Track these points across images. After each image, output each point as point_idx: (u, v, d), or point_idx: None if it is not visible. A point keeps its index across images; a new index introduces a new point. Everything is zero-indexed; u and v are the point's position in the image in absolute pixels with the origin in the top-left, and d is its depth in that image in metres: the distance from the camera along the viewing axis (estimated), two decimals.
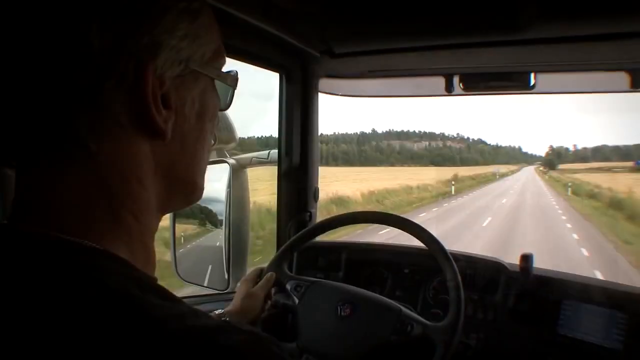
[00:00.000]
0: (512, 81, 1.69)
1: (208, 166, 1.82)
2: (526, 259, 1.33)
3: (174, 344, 0.39)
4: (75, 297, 0.40)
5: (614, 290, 1.31)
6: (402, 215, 1.38)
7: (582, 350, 1.29)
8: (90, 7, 0.44)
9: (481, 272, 1.49)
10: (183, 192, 0.58)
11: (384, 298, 1.25)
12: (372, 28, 1.40)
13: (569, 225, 18.49)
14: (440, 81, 1.75)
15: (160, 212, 0.56)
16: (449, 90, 1.76)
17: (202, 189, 0.61)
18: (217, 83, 0.60)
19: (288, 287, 1.31)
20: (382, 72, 1.78)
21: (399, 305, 1.20)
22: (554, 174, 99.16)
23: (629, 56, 1.48)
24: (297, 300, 1.27)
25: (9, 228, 0.46)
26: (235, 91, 0.66)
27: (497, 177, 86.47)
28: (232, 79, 0.62)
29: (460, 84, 1.73)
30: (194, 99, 0.54)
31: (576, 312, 1.32)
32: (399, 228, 1.31)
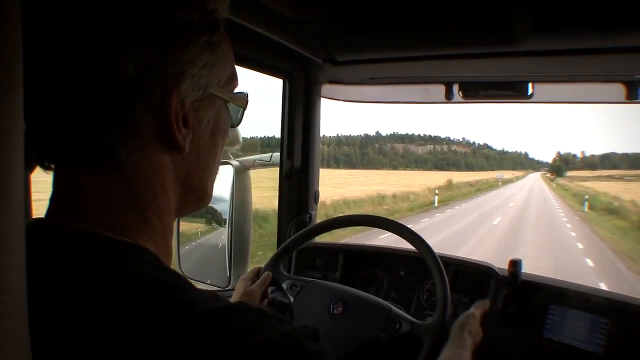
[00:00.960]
0: (510, 90, 1.72)
1: None
2: (515, 264, 1.37)
3: (201, 323, 0.46)
4: (120, 284, 0.48)
5: (599, 297, 1.35)
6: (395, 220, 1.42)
7: (567, 353, 1.33)
8: (127, 40, 0.50)
9: (472, 276, 1.54)
10: (195, 198, 0.65)
11: (375, 297, 1.30)
12: (372, 37, 1.44)
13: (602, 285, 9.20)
14: (440, 89, 1.80)
15: (177, 214, 0.63)
16: (449, 97, 1.80)
17: (211, 195, 0.68)
18: (231, 104, 0.67)
19: (284, 286, 1.36)
20: (383, 79, 1.83)
21: (388, 304, 1.25)
22: (561, 181, 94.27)
23: (624, 69, 1.51)
24: (292, 299, 1.32)
25: (53, 226, 0.53)
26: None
27: (500, 183, 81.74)
28: (243, 101, 0.69)
29: (460, 92, 1.77)
30: (210, 119, 0.61)
31: (562, 316, 1.36)
32: (390, 231, 1.36)
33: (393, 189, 41.31)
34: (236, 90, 0.67)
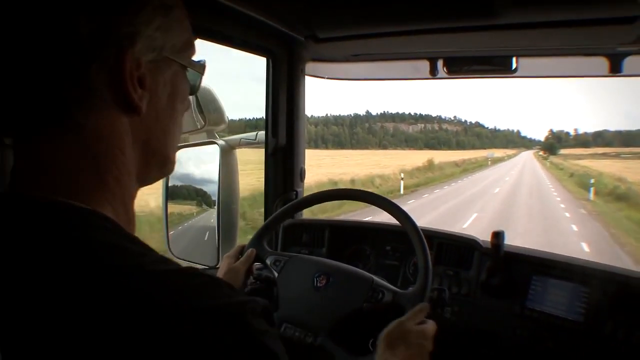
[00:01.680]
0: (495, 65, 1.73)
1: (199, 147, 1.88)
2: (497, 235, 1.39)
3: (150, 284, 0.48)
4: (75, 249, 0.49)
5: (579, 266, 1.38)
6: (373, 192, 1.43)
7: (548, 322, 1.36)
8: (79, 2, 0.52)
9: (456, 249, 1.56)
10: (157, 164, 0.66)
11: (357, 269, 1.32)
12: (354, 13, 1.44)
13: None
14: (425, 65, 1.80)
15: (139, 181, 0.64)
16: (433, 73, 1.80)
17: (174, 162, 0.69)
18: (189, 71, 0.68)
19: (268, 262, 1.38)
20: (366, 55, 1.82)
21: (371, 275, 1.27)
22: (555, 159, 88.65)
23: (606, 41, 1.51)
24: (276, 274, 1.34)
25: (13, 194, 0.54)
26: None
27: (489, 162, 75.61)
28: (200, 67, 0.70)
29: (444, 68, 1.77)
30: (166, 81, 0.62)
31: (544, 287, 1.39)
32: (371, 204, 1.37)
33: (366, 170, 37.66)
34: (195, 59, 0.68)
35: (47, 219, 0.51)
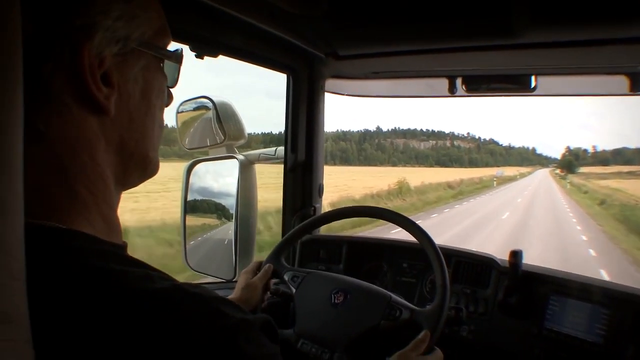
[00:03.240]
0: (514, 83, 1.73)
1: (218, 162, 1.90)
2: (515, 254, 1.38)
3: (131, 302, 0.45)
4: (47, 274, 0.45)
5: (599, 287, 1.36)
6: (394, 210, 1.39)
7: (567, 343, 1.34)
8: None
9: (474, 267, 1.55)
10: (138, 166, 0.61)
11: (375, 286, 1.32)
12: (374, 32, 1.46)
13: None
14: (444, 82, 1.80)
15: (120, 186, 0.60)
16: (452, 91, 1.81)
17: (156, 162, 0.64)
18: (166, 62, 0.63)
19: (286, 277, 1.39)
20: (386, 73, 1.84)
21: (389, 293, 1.27)
22: (576, 179, 76.73)
23: (626, 60, 1.51)
24: (294, 290, 1.35)
25: None
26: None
27: (495, 183, 60.53)
28: (175, 57, 0.64)
29: (463, 86, 1.78)
30: (137, 76, 0.57)
31: (562, 307, 1.37)
32: (389, 222, 1.38)
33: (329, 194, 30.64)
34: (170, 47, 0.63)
35: None
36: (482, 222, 19.19)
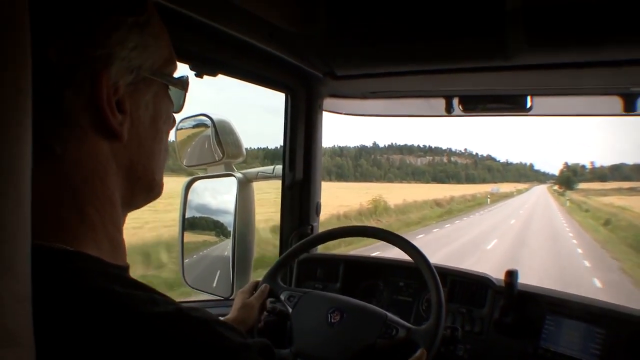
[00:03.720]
0: (509, 104, 1.75)
1: (216, 179, 1.91)
2: (511, 274, 1.39)
3: (135, 325, 0.47)
4: (53, 297, 0.46)
5: (593, 306, 1.37)
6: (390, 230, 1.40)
7: None
8: (48, 27, 0.49)
9: (469, 286, 1.55)
10: (144, 189, 0.63)
11: (371, 305, 1.32)
12: (372, 52, 1.48)
13: None
14: (441, 102, 1.83)
15: (126, 208, 0.62)
16: (449, 111, 1.83)
17: (161, 185, 0.66)
18: (171, 88, 0.66)
19: (282, 297, 1.39)
20: (383, 93, 1.86)
21: (384, 312, 1.28)
22: (575, 196, 73.34)
23: (620, 82, 1.53)
24: (290, 310, 1.35)
25: None
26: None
27: (489, 200, 56.00)
28: (182, 84, 0.67)
29: (460, 106, 1.80)
30: (147, 103, 0.60)
31: (558, 326, 1.38)
32: (385, 241, 1.39)
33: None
34: (176, 75, 0.66)
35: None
36: (462, 253, 14.97)
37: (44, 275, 0.45)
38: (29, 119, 0.37)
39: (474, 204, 47.63)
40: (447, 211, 36.13)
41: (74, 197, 0.53)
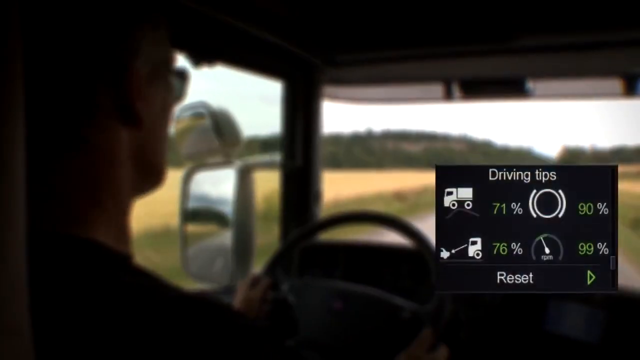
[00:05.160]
0: (510, 87, 1.74)
1: (215, 168, 1.89)
2: None
3: (142, 313, 0.48)
4: (60, 284, 0.48)
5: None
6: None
7: (567, 345, 1.35)
8: (81, 26, 0.54)
9: None
10: (152, 175, 0.67)
11: (374, 290, 1.32)
12: (371, 37, 1.47)
13: None
14: (441, 88, 1.82)
15: (134, 193, 0.65)
16: (449, 96, 1.82)
17: (165, 170, 0.70)
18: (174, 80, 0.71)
19: (284, 287, 1.39)
20: (383, 79, 1.85)
21: (388, 295, 1.28)
22: None
23: (620, 63, 1.53)
24: (293, 300, 1.35)
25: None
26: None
27: None
28: (184, 76, 0.74)
29: (460, 91, 1.79)
30: (160, 93, 0.65)
31: (561, 309, 1.38)
32: (385, 226, 1.38)
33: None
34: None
35: (42, 251, 0.49)
36: None
37: (51, 262, 0.49)
38: (21, 107, 0.36)
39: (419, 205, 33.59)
40: (410, 207, 28.32)
41: (92, 185, 0.56)
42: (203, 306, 0.52)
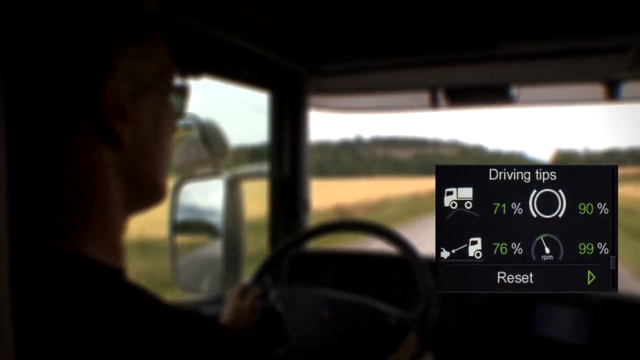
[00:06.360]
0: (494, 94, 1.76)
1: (204, 179, 1.89)
2: None
3: (132, 327, 0.48)
4: (49, 298, 0.48)
5: (584, 292, 1.39)
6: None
7: (554, 348, 1.37)
8: (49, 38, 0.52)
9: None
10: (146, 193, 0.65)
11: (362, 298, 1.33)
12: (357, 46, 1.48)
13: None
14: (427, 95, 1.83)
15: (129, 211, 0.64)
16: (435, 104, 1.84)
17: (164, 190, 0.68)
18: (174, 96, 0.69)
19: (272, 296, 1.39)
20: (369, 88, 1.86)
21: (375, 303, 1.29)
22: None
23: (601, 69, 1.55)
24: (281, 308, 1.35)
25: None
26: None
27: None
28: (182, 92, 0.71)
29: (446, 98, 1.81)
30: (148, 110, 0.62)
31: (548, 312, 1.40)
32: (372, 234, 1.39)
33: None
34: (177, 82, 0.69)
35: (37, 264, 0.50)
36: None
37: (41, 275, 0.49)
38: (2, 128, 0.37)
39: (425, 206, 31.45)
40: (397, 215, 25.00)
41: (78, 204, 0.55)
42: (190, 320, 0.52)
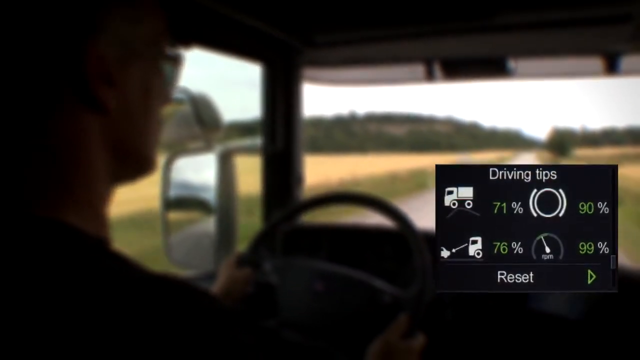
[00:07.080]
0: (491, 67, 1.73)
1: (196, 155, 1.88)
2: None
3: (115, 296, 0.46)
4: (30, 266, 0.46)
5: None
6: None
7: (550, 322, 1.37)
8: (37, 7, 0.50)
9: None
10: (134, 163, 0.63)
11: (357, 273, 1.32)
12: (351, 17, 1.45)
13: None
14: (422, 68, 1.80)
15: (114, 182, 0.62)
16: (431, 76, 1.81)
17: (153, 161, 0.66)
18: (167, 65, 0.66)
19: (267, 268, 1.38)
20: (364, 60, 1.83)
21: (371, 278, 1.28)
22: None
23: (600, 41, 1.52)
24: (275, 280, 1.34)
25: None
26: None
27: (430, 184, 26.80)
28: (175, 60, 0.68)
29: (442, 71, 1.78)
30: (137, 77, 0.60)
31: None
32: (367, 207, 1.37)
33: None
34: (170, 50, 0.66)
35: (13, 231, 0.49)
36: None
37: (21, 242, 0.48)
38: None
39: (410, 187, 28.45)
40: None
41: (60, 172, 0.53)
42: (176, 290, 0.49)
